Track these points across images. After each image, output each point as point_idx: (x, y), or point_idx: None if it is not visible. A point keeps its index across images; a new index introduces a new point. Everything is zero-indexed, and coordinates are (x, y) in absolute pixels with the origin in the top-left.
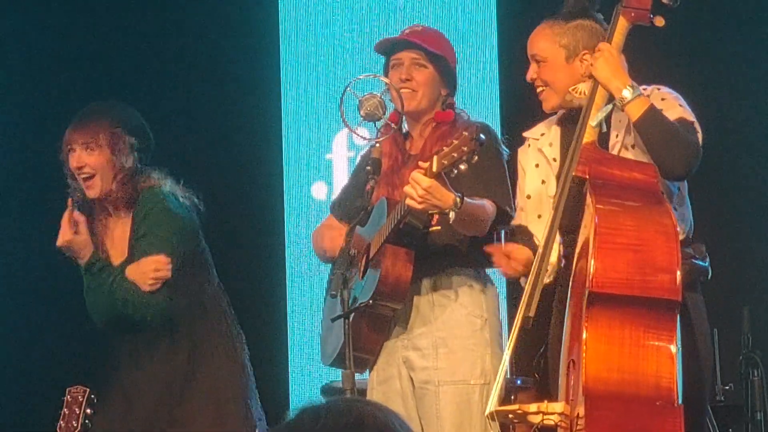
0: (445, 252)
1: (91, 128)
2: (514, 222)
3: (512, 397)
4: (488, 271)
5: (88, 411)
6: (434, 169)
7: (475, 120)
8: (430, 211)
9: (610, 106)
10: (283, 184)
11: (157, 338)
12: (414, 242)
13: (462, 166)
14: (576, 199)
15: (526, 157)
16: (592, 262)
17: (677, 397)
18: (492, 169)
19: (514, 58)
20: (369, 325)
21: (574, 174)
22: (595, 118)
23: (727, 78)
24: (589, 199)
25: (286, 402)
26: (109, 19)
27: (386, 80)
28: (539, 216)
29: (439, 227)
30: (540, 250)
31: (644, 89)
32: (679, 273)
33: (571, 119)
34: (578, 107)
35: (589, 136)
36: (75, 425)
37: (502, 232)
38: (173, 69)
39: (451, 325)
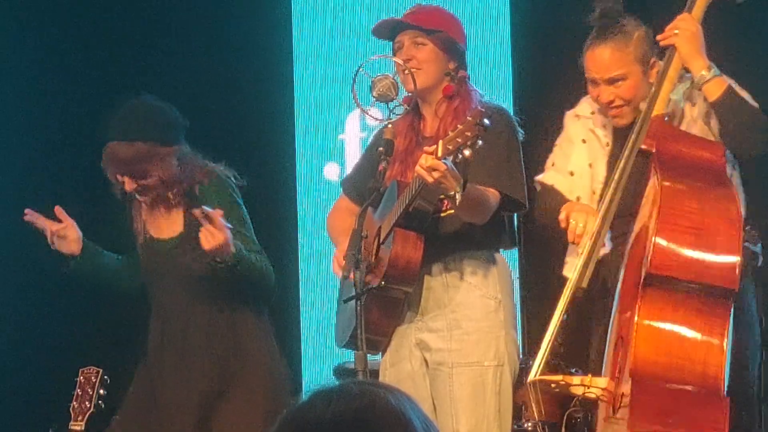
0: (458, 235)
1: (136, 160)
2: (546, 180)
3: (523, 377)
4: (503, 252)
5: (102, 392)
6: (439, 154)
7: (489, 102)
8: (438, 195)
9: (688, 82)
10: (295, 164)
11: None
12: (424, 226)
13: (466, 152)
14: (634, 176)
15: (575, 128)
16: (652, 243)
17: (724, 388)
18: (501, 156)
19: (527, 41)
20: (381, 308)
21: (641, 147)
22: (675, 92)
23: None
24: (653, 177)
25: (298, 383)
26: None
27: (399, 61)
28: (578, 198)
29: (451, 211)
30: (597, 225)
31: None
32: (738, 261)
33: None
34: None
35: (658, 109)
36: (88, 406)
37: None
38: (186, 48)
39: (465, 307)
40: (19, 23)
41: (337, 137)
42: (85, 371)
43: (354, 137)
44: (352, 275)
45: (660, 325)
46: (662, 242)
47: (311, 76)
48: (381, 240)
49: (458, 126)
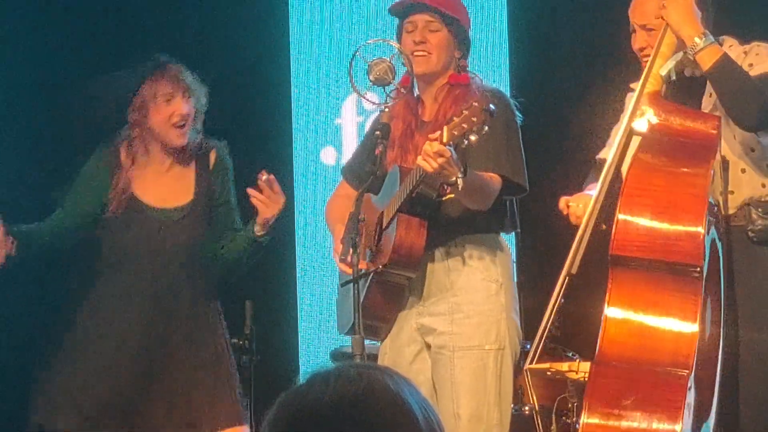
0: (460, 219)
1: (182, 78)
2: (600, 155)
3: (521, 362)
4: (503, 235)
5: None
6: (444, 140)
7: (488, 86)
8: (440, 181)
9: (680, 54)
10: (292, 148)
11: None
12: (427, 211)
13: (472, 137)
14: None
15: (631, 103)
16: (614, 224)
17: (692, 367)
18: (501, 140)
19: (524, 22)
20: (383, 294)
21: (632, 126)
22: (664, 67)
23: None
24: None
25: (295, 367)
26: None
27: (396, 45)
28: None
29: (452, 195)
30: (589, 209)
31: (745, 48)
32: (702, 237)
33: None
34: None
35: (651, 86)
36: None
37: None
38: (181, 35)
39: (466, 290)
40: (18, 22)
41: (334, 121)
42: None
43: (351, 121)
44: (349, 258)
45: (631, 305)
46: (623, 223)
47: (308, 60)
48: (383, 226)
49: (464, 111)
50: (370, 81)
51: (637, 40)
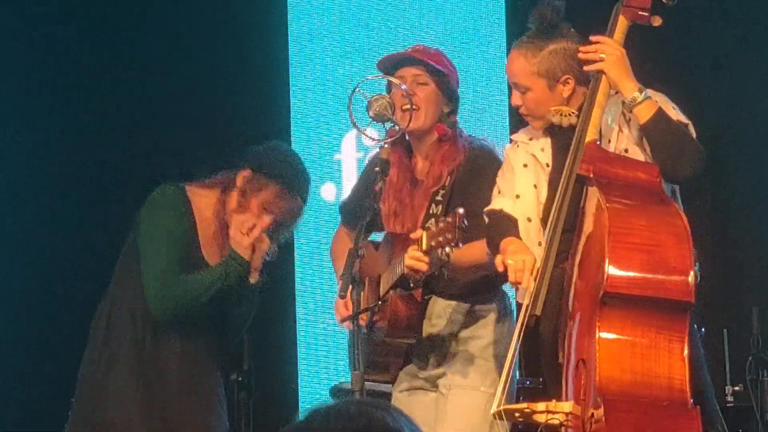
0: (461, 285)
1: (296, 214)
2: (494, 206)
3: (521, 398)
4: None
5: None
6: (424, 247)
7: (476, 142)
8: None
9: (619, 103)
10: None
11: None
12: (420, 284)
13: (447, 249)
14: (574, 198)
15: (515, 155)
16: (606, 263)
17: (690, 399)
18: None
19: (523, 18)
20: (385, 350)
21: (578, 173)
22: (609, 115)
23: (722, 73)
24: (593, 198)
25: (295, 402)
26: (116, 21)
27: (396, 81)
28: (529, 219)
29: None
30: (544, 250)
31: None
32: (692, 274)
33: (560, 127)
34: (559, 124)
35: (590, 135)
36: None
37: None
38: (181, 67)
39: (465, 341)
40: (15, 22)
41: (334, 157)
42: None
43: (350, 157)
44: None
45: (620, 343)
46: (615, 262)
47: (307, 96)
48: (381, 296)
49: (440, 223)
50: (370, 117)
51: (513, 98)
